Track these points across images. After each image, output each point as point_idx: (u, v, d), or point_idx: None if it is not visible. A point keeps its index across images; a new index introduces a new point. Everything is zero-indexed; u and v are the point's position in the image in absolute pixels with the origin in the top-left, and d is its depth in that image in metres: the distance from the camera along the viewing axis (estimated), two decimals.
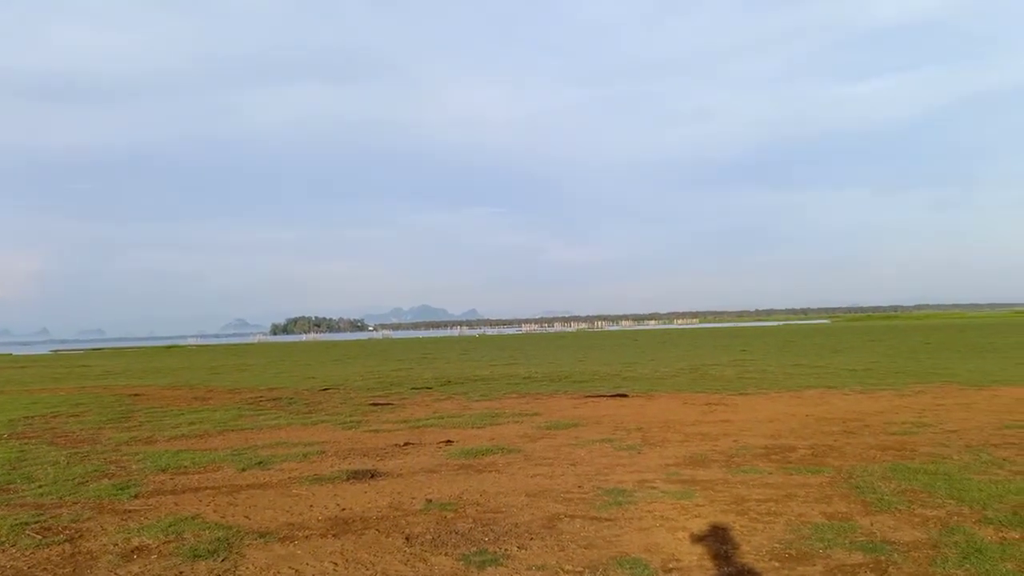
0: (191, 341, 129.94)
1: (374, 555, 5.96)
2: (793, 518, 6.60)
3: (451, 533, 6.46)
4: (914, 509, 6.73)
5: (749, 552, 5.75)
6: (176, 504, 7.79)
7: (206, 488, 8.53)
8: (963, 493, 7.19)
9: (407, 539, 6.33)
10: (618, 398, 16.38)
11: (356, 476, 8.86)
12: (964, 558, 5.39)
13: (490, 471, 8.96)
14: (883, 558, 5.49)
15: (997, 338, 42.27)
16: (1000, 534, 5.91)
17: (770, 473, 8.43)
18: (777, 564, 5.48)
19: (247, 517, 7.20)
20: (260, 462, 9.93)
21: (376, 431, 12.49)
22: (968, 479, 7.76)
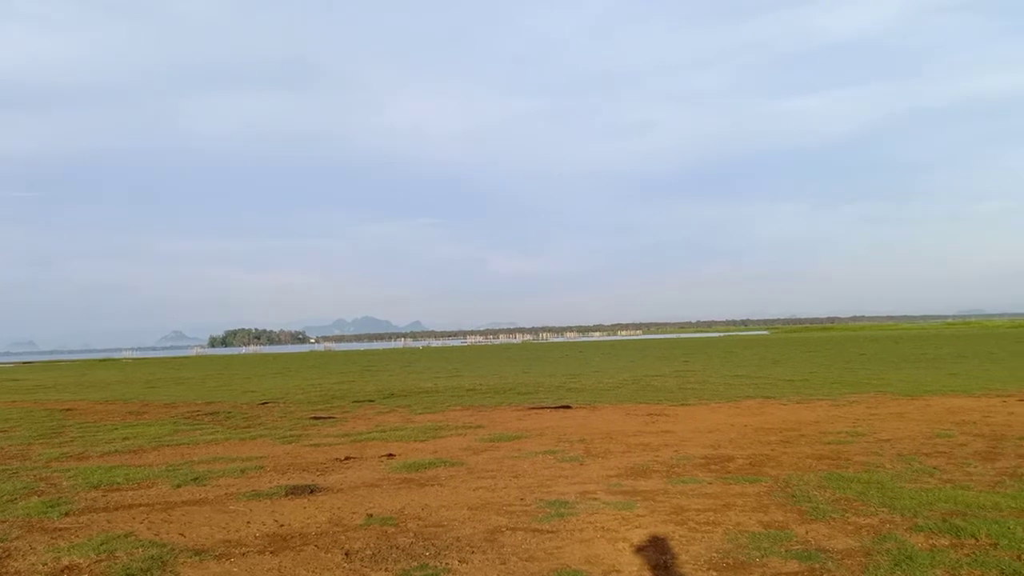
0: (127, 354, 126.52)
1: (312, 572, 5.88)
2: (731, 527, 6.70)
3: (391, 548, 6.40)
4: (848, 517, 6.89)
5: (688, 562, 5.82)
6: (108, 522, 7.58)
7: (140, 505, 8.32)
8: (895, 501, 7.38)
9: (346, 555, 6.26)
10: (562, 410, 16.45)
11: (295, 491, 8.73)
12: (895, 565, 5.54)
13: (432, 484, 8.92)
14: (817, 566, 5.60)
15: (929, 349, 43.56)
16: (930, 541, 6.08)
17: (709, 483, 8.55)
18: (715, 573, 5.55)
19: (182, 534, 7.04)
20: (196, 478, 9.73)
21: (316, 445, 12.33)
22: (900, 487, 7.97)
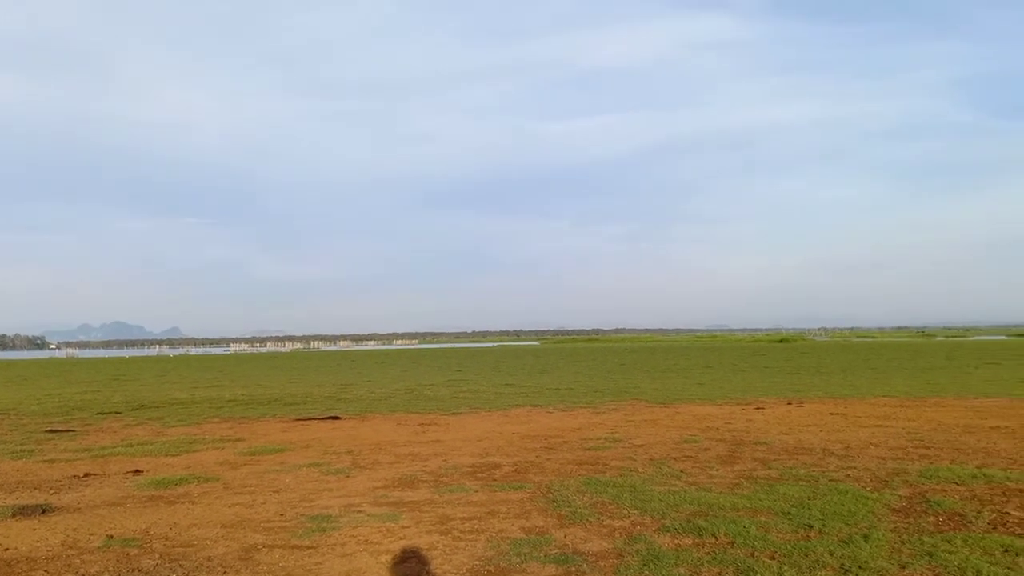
0: None
1: None
2: (494, 534, 6.77)
3: (133, 571, 5.86)
4: (603, 520, 7.18)
5: (450, 571, 5.78)
6: None
7: None
8: (646, 504, 7.80)
9: None
10: (330, 421, 16.02)
11: (24, 512, 7.81)
12: (644, 565, 5.82)
13: (183, 502, 8.30)
14: (573, 569, 5.77)
15: (681, 360, 47.09)
16: (676, 541, 6.46)
17: (476, 491, 8.62)
18: None
19: None
20: None
21: (52, 461, 11.14)
22: (651, 490, 8.45)
